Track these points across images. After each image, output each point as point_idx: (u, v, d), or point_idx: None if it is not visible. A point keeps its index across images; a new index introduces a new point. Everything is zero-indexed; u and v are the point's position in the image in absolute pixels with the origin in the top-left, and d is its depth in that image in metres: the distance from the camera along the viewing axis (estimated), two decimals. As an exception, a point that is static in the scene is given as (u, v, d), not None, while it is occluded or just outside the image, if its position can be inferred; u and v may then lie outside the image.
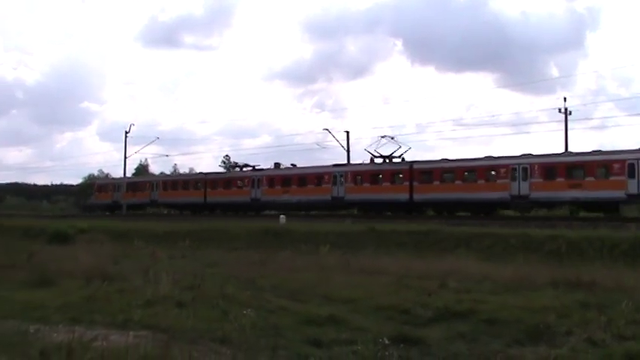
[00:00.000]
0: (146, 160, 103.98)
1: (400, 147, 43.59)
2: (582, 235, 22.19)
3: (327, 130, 55.41)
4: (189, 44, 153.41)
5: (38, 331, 7.62)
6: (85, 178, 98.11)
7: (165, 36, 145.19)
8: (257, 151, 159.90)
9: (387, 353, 7.41)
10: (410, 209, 38.76)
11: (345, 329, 9.31)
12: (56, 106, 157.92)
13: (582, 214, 33.40)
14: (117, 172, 76.57)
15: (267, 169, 51.24)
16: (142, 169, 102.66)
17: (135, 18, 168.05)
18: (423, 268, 16.81)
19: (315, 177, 45.44)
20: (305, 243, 23.82)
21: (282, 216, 35.53)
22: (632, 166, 30.47)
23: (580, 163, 33.73)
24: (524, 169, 34.80)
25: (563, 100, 47.49)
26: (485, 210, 35.82)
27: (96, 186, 70.27)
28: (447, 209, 38.05)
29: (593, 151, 34.72)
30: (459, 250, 22.24)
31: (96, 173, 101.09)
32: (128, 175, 65.60)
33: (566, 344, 8.17)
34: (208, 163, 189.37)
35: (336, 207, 42.79)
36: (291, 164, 51.14)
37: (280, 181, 47.60)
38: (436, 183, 38.45)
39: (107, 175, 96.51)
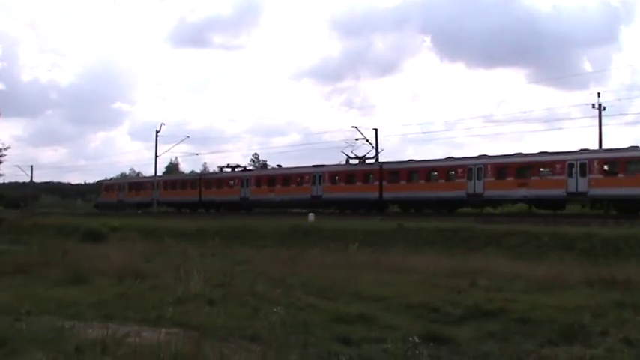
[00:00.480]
0: (176, 158, 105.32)
1: (372, 149, 47.07)
2: (617, 234, 21.80)
3: (355, 127, 55.01)
4: (218, 44, 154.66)
5: (73, 327, 7.75)
6: (117, 176, 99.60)
7: (194, 36, 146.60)
8: (286, 150, 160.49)
9: (416, 352, 7.36)
10: (380, 207, 40.89)
11: (375, 327, 9.29)
12: (89, 106, 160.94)
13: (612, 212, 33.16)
14: (148, 171, 77.61)
15: (255, 169, 54.68)
16: (172, 167, 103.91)
17: (164, 19, 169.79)
18: (453, 266, 16.70)
19: (297, 177, 47.83)
20: (334, 241, 23.82)
21: (310, 214, 35.62)
22: (571, 167, 32.91)
23: (527, 164, 35.78)
24: (479, 170, 36.97)
25: (596, 95, 46.37)
26: (445, 207, 38.07)
27: (103, 186, 72.50)
28: (412, 207, 40.63)
29: (539, 153, 36.45)
30: (488, 248, 22.04)
31: (127, 172, 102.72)
32: (159, 173, 66.32)
33: (601, 344, 8.02)
34: (237, 161, 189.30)
35: (315, 205, 44.86)
36: (277, 165, 54.54)
37: (266, 181, 50.01)
38: (403, 183, 40.71)
39: (138, 173, 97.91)
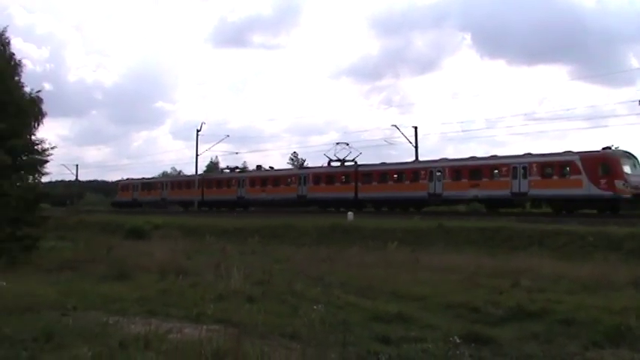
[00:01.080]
0: (216, 157, 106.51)
1: (350, 152, 50.58)
2: (665, 234, 21.15)
3: (394, 126, 54.83)
4: (258, 44, 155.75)
5: (117, 322, 7.90)
6: (159, 175, 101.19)
7: (235, 36, 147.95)
8: (324, 148, 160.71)
9: (457, 352, 7.27)
10: (355, 205, 42.93)
11: (414, 327, 9.24)
12: (132, 106, 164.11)
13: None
14: (189, 170, 78.83)
15: (251, 171, 59.23)
16: (212, 166, 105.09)
17: (205, 19, 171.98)
18: (494, 266, 16.47)
19: (286, 178, 51.76)
20: (373, 239, 23.72)
21: (349, 213, 35.56)
22: (515, 169, 36.34)
23: (478, 167, 38.94)
24: (439, 172, 40.38)
25: (642, 92, 45.50)
26: (411, 206, 41.07)
27: (119, 186, 75.54)
28: (383, 205, 43.49)
29: (490, 156, 39.93)
30: (531, 248, 21.63)
31: (169, 170, 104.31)
32: (200, 172, 67.31)
33: (648, 347, 7.80)
34: (276, 160, 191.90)
35: (300, 204, 48.02)
36: (270, 167, 58.94)
37: (260, 182, 53.43)
38: (375, 184, 44.10)
39: (179, 172, 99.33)
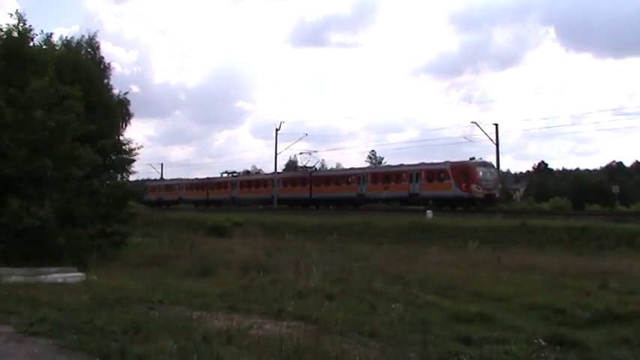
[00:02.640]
0: (295, 156, 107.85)
1: (310, 160, 63.19)
2: None
3: (474, 123, 53.87)
4: (336, 42, 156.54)
5: (200, 317, 8.12)
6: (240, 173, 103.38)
7: (313, 36, 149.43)
8: (403, 146, 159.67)
9: (542, 355, 7.04)
10: (310, 203, 53.21)
11: (496, 327, 9.01)
12: (214, 106, 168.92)
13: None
14: (269, 168, 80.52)
15: (241, 175, 70.89)
16: (291, 164, 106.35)
17: (284, 20, 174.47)
18: (580, 266, 15.88)
19: (263, 182, 63.34)
20: (452, 238, 23.38)
21: (428, 211, 35.16)
22: (411, 175, 45.89)
23: (388, 173, 49.68)
24: (364, 177, 50.64)
25: None
26: (346, 204, 50.63)
27: (149, 187, 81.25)
28: (330, 203, 52.53)
29: (397, 165, 51.58)
30: (620, 248, 20.72)
31: (250, 169, 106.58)
32: (279, 170, 68.53)
33: None
34: (355, 158, 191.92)
35: (272, 202, 57.67)
36: (257, 171, 73.37)
37: (246, 184, 64.93)
38: (323, 186, 54.13)
39: (259, 170, 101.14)
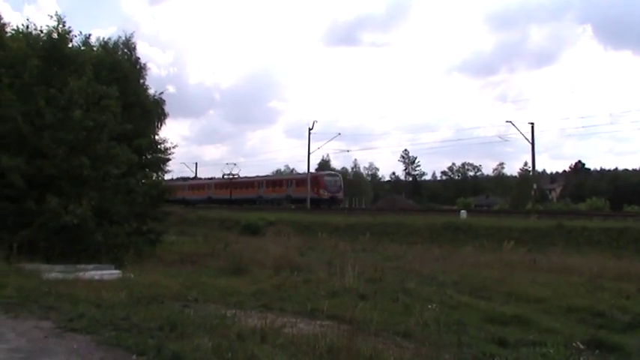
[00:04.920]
0: (328, 155, 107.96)
1: (233, 169, 78.31)
2: None
3: (509, 122, 53.27)
4: (368, 42, 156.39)
5: (234, 315, 8.18)
6: (273, 173, 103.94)
7: (346, 35, 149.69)
8: (436, 146, 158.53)
9: (580, 358, 6.90)
10: (231, 202, 65.56)
11: (532, 330, 8.87)
12: (247, 105, 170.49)
13: None
14: (302, 168, 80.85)
15: (217, 178, 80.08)
16: (324, 164, 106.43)
17: (317, 20, 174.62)
18: (619, 268, 15.58)
19: (202, 185, 78.01)
20: (487, 238, 23.11)
21: (462, 211, 34.89)
22: (288, 182, 63.44)
23: (275, 180, 68.28)
24: (261, 182, 67.34)
25: None
26: (249, 203, 63.18)
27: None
28: (244, 203, 64.19)
29: (281, 174, 72.83)
30: (661, 249, 20.21)
31: (282, 169, 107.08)
32: (312, 170, 69.15)
33: None
34: (387, 158, 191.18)
35: (210, 202, 70.10)
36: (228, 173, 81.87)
37: (218, 186, 74.97)
38: (238, 189, 69.14)
39: (292, 170, 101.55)
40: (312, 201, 56.42)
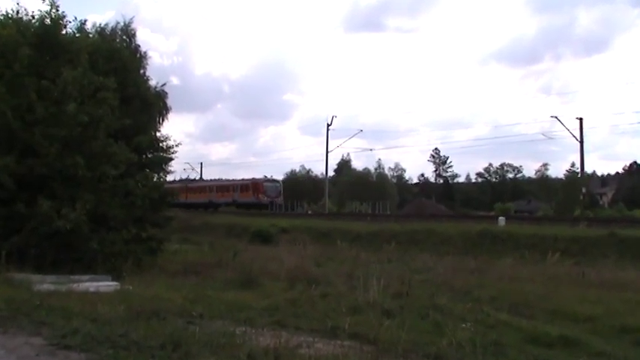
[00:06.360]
0: (348, 155, 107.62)
1: (191, 173, 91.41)
2: None
3: (555, 117, 52.92)
4: (394, 27, 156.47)
5: (244, 333, 8.20)
6: (287, 174, 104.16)
7: (368, 20, 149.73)
8: (470, 144, 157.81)
9: (635, 385, 6.86)
10: (186, 206, 68.08)
11: (581, 352, 8.82)
12: (259, 99, 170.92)
13: None
14: (319, 169, 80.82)
15: (191, 181, 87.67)
16: (343, 164, 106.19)
17: (336, 3, 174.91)
18: (681, 284, 15.38)
19: (196, 189, 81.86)
20: (529, 249, 22.98)
21: (501, 217, 34.70)
22: (234, 187, 72.73)
23: (223, 185, 76.59)
24: (212, 188, 77.21)
25: None
26: (204, 207, 71.86)
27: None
28: (199, 207, 71.62)
29: (229, 180, 79.77)
30: None
31: (297, 169, 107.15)
32: (330, 171, 69.53)
33: None
34: (415, 157, 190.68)
35: (182, 206, 70.66)
36: (199, 178, 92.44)
37: (191, 190, 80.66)
38: (191, 194, 76.01)
39: (308, 171, 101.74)
40: (253, 205, 67.44)
